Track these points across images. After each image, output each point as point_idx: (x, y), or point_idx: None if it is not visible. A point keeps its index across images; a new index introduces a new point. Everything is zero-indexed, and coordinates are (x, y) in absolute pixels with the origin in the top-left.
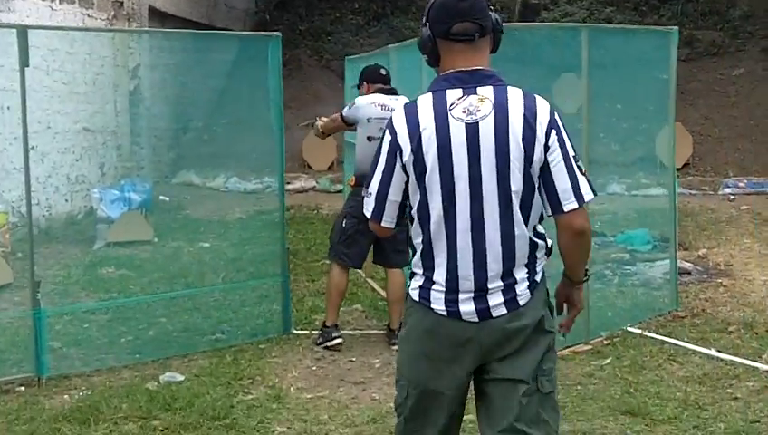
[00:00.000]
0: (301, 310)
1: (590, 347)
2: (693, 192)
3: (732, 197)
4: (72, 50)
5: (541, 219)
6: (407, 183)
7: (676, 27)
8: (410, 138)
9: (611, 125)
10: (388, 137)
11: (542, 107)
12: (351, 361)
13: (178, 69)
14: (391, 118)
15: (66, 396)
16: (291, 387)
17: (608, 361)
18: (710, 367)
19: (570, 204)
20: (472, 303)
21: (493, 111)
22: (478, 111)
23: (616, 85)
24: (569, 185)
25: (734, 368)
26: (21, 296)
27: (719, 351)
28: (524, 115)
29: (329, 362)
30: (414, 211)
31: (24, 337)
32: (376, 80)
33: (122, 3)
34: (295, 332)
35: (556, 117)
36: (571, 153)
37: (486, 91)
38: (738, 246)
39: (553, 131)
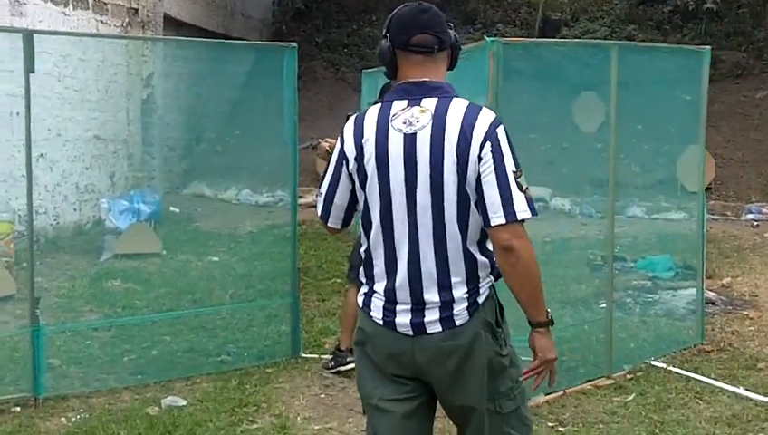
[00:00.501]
0: (310, 332)
1: (612, 381)
2: (715, 217)
3: (755, 223)
4: (84, 57)
5: (486, 236)
6: (353, 190)
7: (709, 47)
8: (355, 147)
9: (632, 146)
10: (338, 145)
11: (484, 119)
12: None
13: (192, 78)
14: (343, 127)
15: (63, 419)
16: (298, 416)
17: (631, 397)
18: (739, 407)
19: (497, 218)
20: (408, 315)
21: (431, 122)
22: (417, 121)
23: (638, 105)
24: (498, 199)
25: (766, 410)
26: (23, 309)
27: (748, 390)
28: (461, 126)
29: (338, 389)
30: (360, 219)
31: (23, 353)
32: None
33: (137, 10)
34: (304, 355)
35: (498, 130)
36: (510, 168)
37: (429, 103)
38: (763, 275)
39: (488, 143)
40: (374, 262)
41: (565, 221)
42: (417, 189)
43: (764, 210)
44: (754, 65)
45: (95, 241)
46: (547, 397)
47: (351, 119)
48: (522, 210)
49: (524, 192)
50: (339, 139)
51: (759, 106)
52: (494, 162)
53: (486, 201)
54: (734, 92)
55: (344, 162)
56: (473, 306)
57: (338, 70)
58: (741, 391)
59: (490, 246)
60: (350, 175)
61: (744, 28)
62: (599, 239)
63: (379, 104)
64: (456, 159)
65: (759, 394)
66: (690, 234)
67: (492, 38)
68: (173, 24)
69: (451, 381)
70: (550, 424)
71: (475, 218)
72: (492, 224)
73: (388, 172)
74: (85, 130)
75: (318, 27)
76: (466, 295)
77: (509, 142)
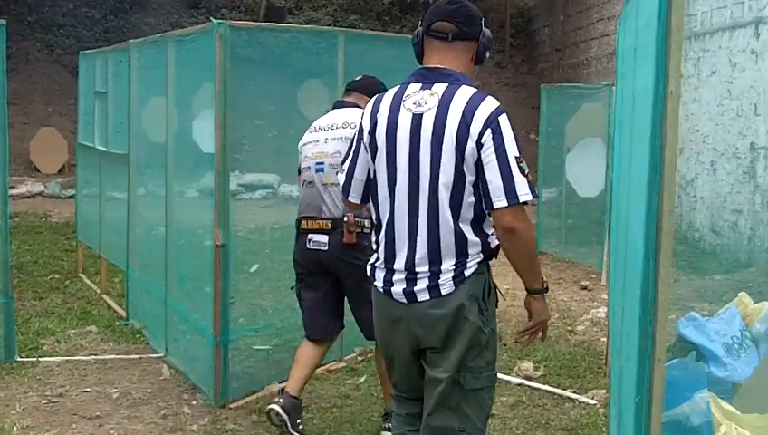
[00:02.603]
0: (26, 333)
1: (344, 364)
2: None
3: None
4: None
5: (483, 218)
6: (367, 166)
7: None
8: (370, 121)
9: None
10: (359, 121)
11: (485, 107)
12: (85, 392)
13: None
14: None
15: None
16: (14, 426)
17: (363, 379)
18: (512, 398)
19: (499, 201)
20: (403, 284)
21: (437, 105)
22: (426, 103)
23: None
24: (500, 183)
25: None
26: None
27: None
28: (463, 111)
29: (59, 394)
30: (372, 190)
31: None
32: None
33: None
34: (20, 359)
35: (499, 118)
36: (512, 154)
37: (439, 88)
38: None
39: (489, 130)
40: (380, 234)
41: (293, 207)
42: (420, 167)
43: None
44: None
45: None
46: (281, 384)
47: (371, 100)
48: (523, 193)
49: (526, 176)
50: (361, 116)
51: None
52: (495, 148)
53: (489, 185)
54: None
55: (361, 136)
56: (458, 277)
57: (53, 51)
58: (512, 378)
59: (486, 229)
60: (366, 147)
61: None
62: None
63: (399, 85)
64: (455, 141)
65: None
66: None
67: (219, 21)
68: None
69: (441, 348)
70: None
71: (468, 200)
72: (495, 207)
73: (396, 148)
74: None
75: (30, 6)
76: (453, 268)
77: (511, 129)
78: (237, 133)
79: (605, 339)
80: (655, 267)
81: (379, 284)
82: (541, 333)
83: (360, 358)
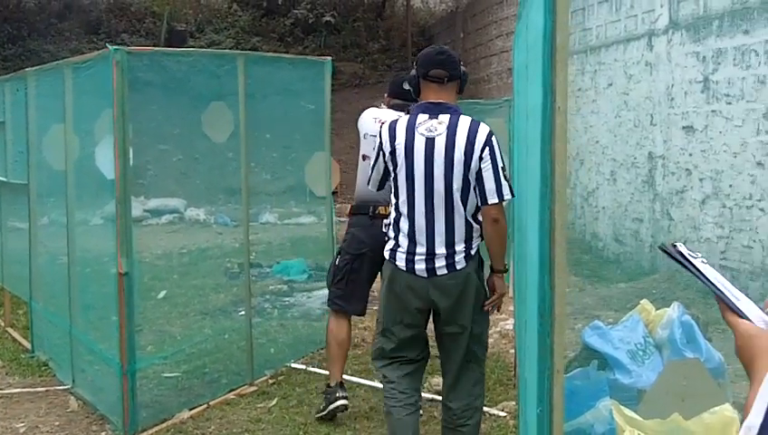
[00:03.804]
0: None
1: (255, 388)
2: (342, 219)
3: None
4: None
5: (478, 210)
6: (385, 169)
7: (330, 58)
8: (390, 145)
9: (262, 154)
10: (378, 140)
11: (482, 131)
12: None
13: None
14: (381, 127)
15: None
16: None
17: (274, 402)
18: (376, 400)
19: (492, 198)
20: (423, 262)
21: (446, 131)
22: (435, 130)
23: (266, 114)
24: (493, 186)
25: None
26: None
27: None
28: (467, 135)
29: None
30: (392, 194)
31: None
32: (394, 93)
33: None
34: None
35: (492, 139)
36: (500, 165)
37: (444, 118)
38: None
39: (487, 148)
40: (401, 226)
41: (201, 231)
42: (434, 177)
43: None
44: (371, 75)
45: None
46: (191, 412)
47: (387, 124)
48: (506, 193)
49: (508, 182)
50: (378, 136)
51: None
52: (491, 161)
53: (485, 187)
54: (354, 101)
55: (381, 154)
56: (468, 256)
57: None
58: (375, 383)
59: (480, 218)
60: (386, 162)
61: (360, 41)
62: (234, 247)
63: (408, 115)
64: (463, 157)
65: None
66: (320, 236)
67: (115, 47)
68: None
69: (453, 309)
70: None
71: (472, 198)
72: (488, 203)
73: (413, 164)
74: None
75: None
76: (464, 249)
77: (498, 147)
78: (142, 158)
79: (513, 351)
80: (550, 280)
81: (401, 263)
82: (497, 307)
83: (271, 380)
